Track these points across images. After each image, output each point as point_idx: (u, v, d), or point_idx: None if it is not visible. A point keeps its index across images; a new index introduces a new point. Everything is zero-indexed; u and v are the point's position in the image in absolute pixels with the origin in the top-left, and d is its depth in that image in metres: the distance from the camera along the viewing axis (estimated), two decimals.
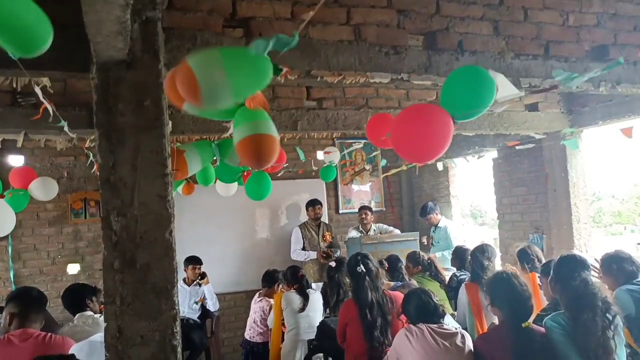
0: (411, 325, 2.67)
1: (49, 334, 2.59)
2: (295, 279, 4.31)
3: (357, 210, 7.05)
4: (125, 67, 1.97)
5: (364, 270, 3.25)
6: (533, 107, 4.52)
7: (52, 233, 5.80)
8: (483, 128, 4.35)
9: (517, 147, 4.69)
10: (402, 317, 2.98)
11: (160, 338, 1.93)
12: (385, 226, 6.52)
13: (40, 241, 5.77)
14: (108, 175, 1.94)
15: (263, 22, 2.33)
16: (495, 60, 2.73)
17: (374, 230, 6.36)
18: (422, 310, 2.73)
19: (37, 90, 2.34)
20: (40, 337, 2.53)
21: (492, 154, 5.76)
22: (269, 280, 4.83)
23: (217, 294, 5.89)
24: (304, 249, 6.15)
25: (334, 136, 6.81)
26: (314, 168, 5.75)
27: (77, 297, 3.36)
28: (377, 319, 3.13)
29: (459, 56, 2.66)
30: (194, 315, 5.50)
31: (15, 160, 4.96)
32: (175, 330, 1.95)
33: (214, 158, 3.36)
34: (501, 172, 5.62)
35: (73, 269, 5.75)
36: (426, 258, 4.78)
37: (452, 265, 4.98)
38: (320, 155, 5.92)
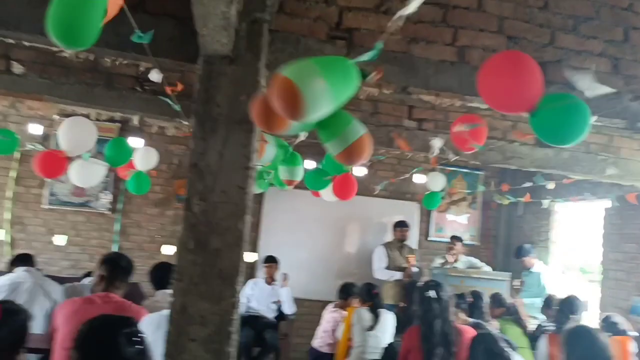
0: None
1: (129, 301, 2.78)
2: (370, 296, 4.26)
3: (447, 239, 6.86)
4: (228, 62, 2.09)
5: (435, 296, 3.14)
6: None
7: (156, 213, 6.24)
8: (594, 173, 4.05)
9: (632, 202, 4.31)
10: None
11: (218, 321, 2.01)
12: (475, 260, 6.27)
13: (144, 219, 6.24)
14: (197, 161, 2.07)
15: (367, 34, 2.36)
16: (610, 100, 2.53)
17: (463, 262, 6.13)
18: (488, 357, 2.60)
19: (156, 76, 2.55)
20: (119, 302, 2.72)
21: (604, 203, 5.33)
22: (345, 292, 4.82)
23: (295, 299, 6.00)
24: (387, 268, 6.08)
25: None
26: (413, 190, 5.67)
27: (164, 275, 3.56)
28: (440, 350, 3.00)
29: (569, 91, 2.50)
30: (270, 315, 5.64)
31: (135, 142, 5.40)
32: (233, 317, 2.02)
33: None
34: (612, 224, 5.18)
35: (168, 250, 6.13)
36: (510, 302, 4.53)
37: (543, 313, 4.67)
38: (418, 178, 5.84)
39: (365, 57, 1.35)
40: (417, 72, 2.36)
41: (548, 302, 4.33)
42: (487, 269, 6.11)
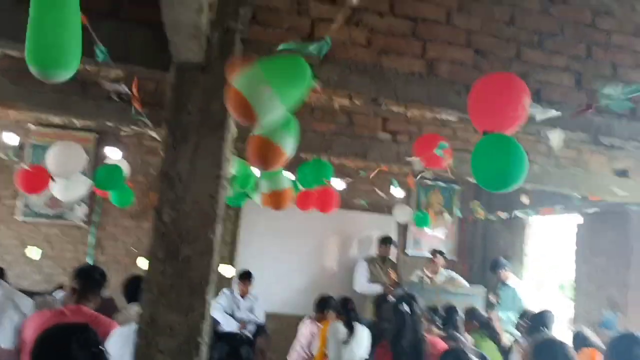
0: None
1: (99, 314, 2.75)
2: (345, 309, 4.26)
3: (425, 253, 6.90)
4: (200, 70, 2.11)
5: (408, 311, 3.16)
6: (622, 173, 4.24)
7: (132, 226, 6.18)
8: (562, 187, 4.14)
9: (601, 213, 4.41)
10: None
11: (187, 332, 1.99)
12: (454, 274, 6.31)
13: (120, 232, 6.17)
14: (167, 169, 2.06)
15: (338, 45, 2.40)
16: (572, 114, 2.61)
17: (444, 275, 6.16)
18: None
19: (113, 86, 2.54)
20: (89, 315, 2.68)
21: (576, 217, 5.43)
22: (322, 305, 4.80)
23: (273, 313, 5.99)
24: (369, 282, 6.10)
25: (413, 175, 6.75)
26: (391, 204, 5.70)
27: (136, 288, 3.52)
28: None
29: (534, 104, 2.57)
30: (246, 330, 5.61)
31: (111, 152, 5.35)
32: (202, 328, 2.01)
33: None
34: (583, 237, 5.28)
35: (144, 263, 6.05)
36: (484, 316, 4.57)
37: (516, 328, 4.71)
38: (395, 192, 5.88)
39: (313, 49, 1.39)
40: (386, 83, 2.40)
41: (523, 317, 4.37)
42: (464, 283, 6.16)
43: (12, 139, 5.12)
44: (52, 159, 3.50)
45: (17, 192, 5.85)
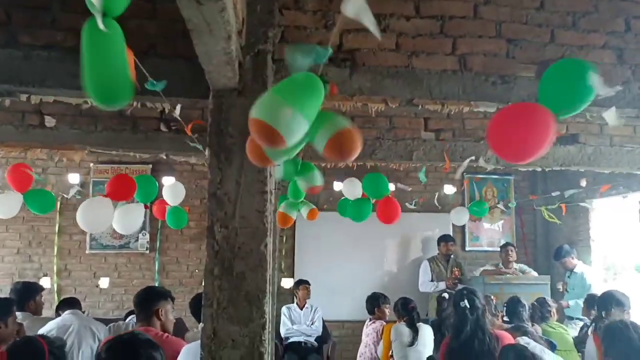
0: None
1: (166, 333, 2.89)
2: (406, 310, 4.25)
3: (485, 248, 6.79)
4: (237, 94, 2.20)
5: (468, 305, 3.13)
6: None
7: (192, 248, 6.41)
8: (621, 166, 3.99)
9: None
10: None
11: (249, 343, 2.07)
12: (525, 266, 6.17)
13: (182, 255, 6.41)
14: (215, 190, 2.16)
15: (367, 53, 2.45)
16: (618, 91, 2.54)
17: (516, 269, 6.04)
18: None
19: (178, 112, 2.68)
20: (159, 335, 2.82)
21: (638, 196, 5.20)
22: (371, 303, 4.83)
23: (336, 321, 6.05)
24: (431, 281, 6.07)
25: (464, 171, 6.67)
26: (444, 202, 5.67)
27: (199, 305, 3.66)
28: (476, 358, 2.98)
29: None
30: (311, 338, 5.69)
31: (167, 181, 5.59)
32: (263, 338, 2.08)
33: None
34: None
35: None
36: (554, 305, 4.45)
37: (584, 314, 4.56)
38: (447, 189, 5.83)
39: (320, 58, 1.41)
40: (420, 83, 2.42)
41: (588, 302, 4.23)
42: (534, 274, 6.01)
43: (75, 178, 5.44)
44: (81, 216, 3.73)
45: None
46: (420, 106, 2.49)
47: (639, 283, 6.14)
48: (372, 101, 2.52)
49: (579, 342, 4.09)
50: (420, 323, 4.25)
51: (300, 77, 1.45)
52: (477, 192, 6.81)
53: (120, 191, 3.83)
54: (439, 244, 6.25)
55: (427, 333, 4.18)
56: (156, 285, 6.22)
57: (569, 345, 4.04)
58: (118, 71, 1.43)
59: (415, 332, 4.13)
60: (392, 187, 5.24)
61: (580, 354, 3.97)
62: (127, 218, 4.00)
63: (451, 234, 6.62)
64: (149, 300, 2.90)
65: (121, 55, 1.42)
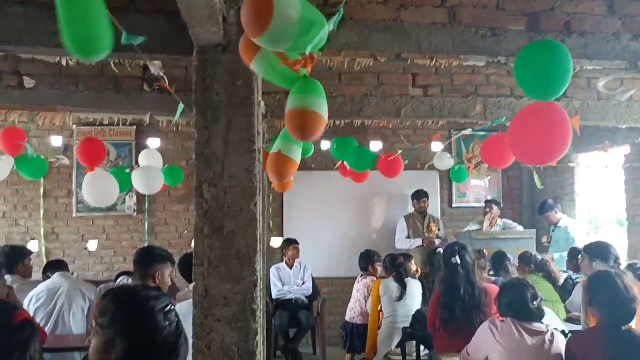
0: (496, 319, 2.57)
1: None
2: (394, 266, 4.32)
3: (471, 204, 6.85)
4: (222, 50, 2.14)
5: (459, 262, 3.18)
6: None
7: (181, 210, 6.39)
8: (608, 119, 4.01)
9: None
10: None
11: (241, 300, 2.09)
12: (511, 222, 6.24)
13: (170, 217, 6.39)
14: (202, 149, 2.13)
15: (355, 6, 2.38)
16: (608, 42, 2.51)
17: (500, 225, 6.12)
18: (515, 306, 2.60)
19: (155, 69, 2.61)
20: None
21: (623, 149, 5.25)
22: (365, 260, 4.90)
23: (325, 278, 6.14)
24: (408, 237, 6.15)
25: (450, 128, 6.67)
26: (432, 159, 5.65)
27: (190, 265, 3.67)
28: (467, 312, 3.06)
29: (565, 38, 2.49)
30: (301, 295, 5.78)
31: (152, 142, 5.51)
32: (255, 295, 2.10)
33: None
34: (633, 169, 5.11)
35: None
36: (539, 258, 4.54)
37: (568, 267, 4.67)
38: (435, 146, 5.83)
39: (332, 24, 1.37)
40: (409, 37, 2.38)
41: (571, 255, 4.32)
42: (520, 228, 6.09)
43: (57, 141, 5.34)
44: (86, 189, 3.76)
45: (69, 190, 6.15)
46: (408, 61, 2.44)
47: (620, 236, 6.26)
48: (360, 56, 2.48)
49: (563, 293, 4.20)
50: (409, 278, 4.32)
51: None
52: (463, 149, 6.83)
53: (90, 156, 3.78)
54: (412, 200, 6.29)
55: (414, 288, 4.26)
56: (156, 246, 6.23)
57: (555, 297, 4.14)
58: (95, 19, 1.37)
59: (403, 287, 4.21)
60: (379, 145, 5.25)
61: (564, 305, 4.08)
62: (98, 189, 3.87)
63: (439, 191, 6.69)
64: (147, 261, 2.88)
65: (98, 4, 1.36)
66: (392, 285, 4.24)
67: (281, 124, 4.69)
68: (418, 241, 6.02)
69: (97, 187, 3.80)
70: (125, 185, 4.44)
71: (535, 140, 1.88)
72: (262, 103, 2.33)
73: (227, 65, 2.14)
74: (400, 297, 4.18)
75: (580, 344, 2.41)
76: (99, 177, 3.83)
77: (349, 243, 6.51)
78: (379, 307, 4.34)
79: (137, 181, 4.37)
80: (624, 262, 4.82)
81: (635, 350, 2.22)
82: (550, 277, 4.42)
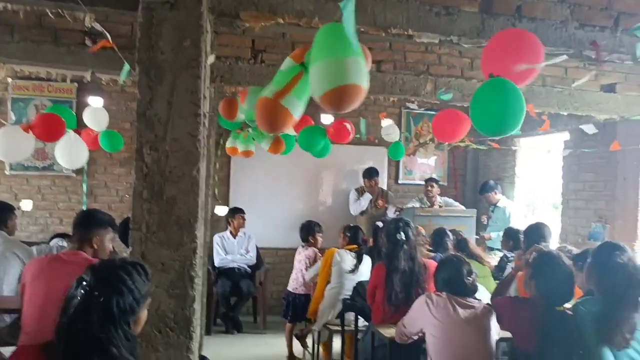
0: (432, 293, 2.64)
1: (94, 259, 2.79)
2: (356, 239, 4.33)
3: (417, 181, 6.98)
4: (169, 7, 2.04)
5: (403, 238, 3.23)
6: (610, 89, 4.21)
7: (123, 173, 6.19)
8: (551, 106, 4.14)
9: (588, 131, 4.42)
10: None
11: (179, 267, 2.04)
12: (451, 200, 6.43)
13: (110, 179, 6.19)
14: (144, 110, 2.04)
15: None
16: (556, 29, 2.57)
17: (440, 203, 6.27)
18: (452, 281, 2.68)
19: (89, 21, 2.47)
20: (86, 259, 2.72)
21: (563, 136, 5.46)
22: (306, 232, 4.91)
23: (270, 248, 6.22)
24: (357, 200, 6.42)
25: (401, 106, 6.73)
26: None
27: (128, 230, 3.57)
28: (407, 287, 3.13)
29: (516, 22, 2.53)
30: (244, 264, 5.78)
31: (95, 101, 5.27)
32: (194, 262, 2.05)
33: None
34: (571, 155, 5.32)
35: None
36: (460, 238, 4.66)
37: (503, 247, 4.84)
38: (385, 123, 5.86)
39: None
40: (364, 9, 2.34)
41: (507, 235, 4.48)
42: (461, 207, 6.26)
43: None
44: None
45: None
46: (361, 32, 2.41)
47: (554, 219, 6.56)
48: (314, 25, 2.42)
49: (498, 270, 4.36)
50: (364, 254, 4.33)
51: None
52: (412, 127, 6.92)
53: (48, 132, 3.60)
54: (363, 178, 6.39)
55: (366, 263, 4.27)
56: (84, 208, 6.02)
57: (486, 272, 4.29)
58: None
59: (359, 261, 4.22)
60: (330, 118, 5.23)
61: (497, 281, 4.24)
62: (10, 143, 3.57)
63: (386, 167, 6.78)
64: (87, 225, 2.76)
65: None
66: (348, 257, 4.23)
67: (230, 90, 4.59)
68: (367, 195, 6.29)
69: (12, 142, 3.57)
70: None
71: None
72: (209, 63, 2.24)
73: (174, 23, 2.04)
74: (353, 272, 4.19)
75: (513, 311, 2.48)
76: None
77: (295, 215, 6.51)
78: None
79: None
80: (555, 245, 5.08)
81: (565, 326, 2.33)
82: (473, 257, 4.57)
